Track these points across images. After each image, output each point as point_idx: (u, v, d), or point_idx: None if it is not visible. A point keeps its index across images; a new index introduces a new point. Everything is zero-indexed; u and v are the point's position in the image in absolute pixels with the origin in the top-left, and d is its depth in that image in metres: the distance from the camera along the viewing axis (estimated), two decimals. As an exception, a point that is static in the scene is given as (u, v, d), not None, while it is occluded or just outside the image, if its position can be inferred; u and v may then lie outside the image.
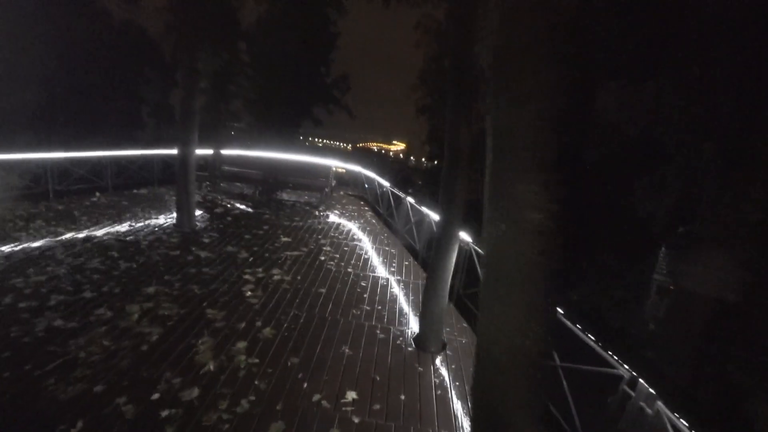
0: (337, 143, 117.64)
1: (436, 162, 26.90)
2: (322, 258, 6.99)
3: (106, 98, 18.25)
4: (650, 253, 11.18)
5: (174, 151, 13.40)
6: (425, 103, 24.74)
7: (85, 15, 17.02)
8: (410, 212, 8.57)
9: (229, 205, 10.24)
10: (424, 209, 7.39)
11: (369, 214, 11.00)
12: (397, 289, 6.07)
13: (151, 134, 20.28)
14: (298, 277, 6.02)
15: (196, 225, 8.13)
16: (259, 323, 4.64)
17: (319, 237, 8.24)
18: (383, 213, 10.44)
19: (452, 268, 4.56)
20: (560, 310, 3.92)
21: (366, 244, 8.20)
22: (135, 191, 10.90)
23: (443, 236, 4.43)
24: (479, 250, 5.57)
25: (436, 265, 4.54)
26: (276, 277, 5.91)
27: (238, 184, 12.05)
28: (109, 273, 5.48)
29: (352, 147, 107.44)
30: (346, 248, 7.70)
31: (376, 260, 7.23)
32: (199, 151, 13.77)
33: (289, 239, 7.85)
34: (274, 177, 11.39)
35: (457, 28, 4.02)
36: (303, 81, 26.47)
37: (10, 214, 7.50)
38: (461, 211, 4.37)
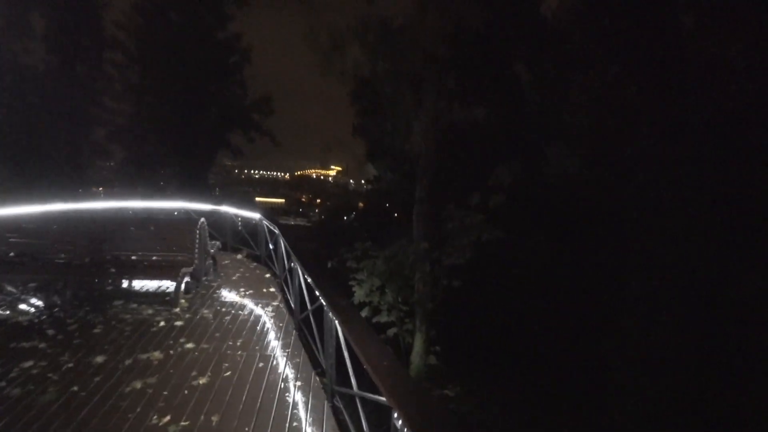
0: (275, 173, 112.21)
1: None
2: None
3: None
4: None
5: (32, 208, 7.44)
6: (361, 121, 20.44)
7: None
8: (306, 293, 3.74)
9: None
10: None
11: (274, 295, 6.01)
12: None
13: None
14: None
15: None
16: None
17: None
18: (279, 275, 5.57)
19: None
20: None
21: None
22: None
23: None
24: None
25: None
26: None
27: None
28: None
29: (290, 176, 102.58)
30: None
31: None
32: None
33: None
34: (96, 255, 6.16)
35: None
36: (208, 102, 21.18)
37: None
38: None
